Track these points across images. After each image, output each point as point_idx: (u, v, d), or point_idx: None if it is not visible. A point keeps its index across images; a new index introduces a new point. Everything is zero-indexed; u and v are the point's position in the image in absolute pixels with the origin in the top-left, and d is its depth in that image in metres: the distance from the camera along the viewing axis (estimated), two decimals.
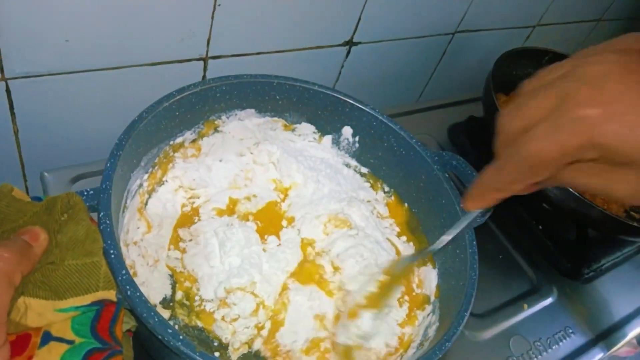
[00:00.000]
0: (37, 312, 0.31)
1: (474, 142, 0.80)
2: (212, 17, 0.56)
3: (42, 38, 0.48)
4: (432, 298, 0.50)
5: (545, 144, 0.28)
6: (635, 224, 0.64)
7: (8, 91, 0.51)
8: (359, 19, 0.68)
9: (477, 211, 0.40)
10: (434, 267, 0.52)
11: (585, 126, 0.27)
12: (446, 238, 0.44)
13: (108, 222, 0.36)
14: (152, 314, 0.32)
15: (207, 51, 0.60)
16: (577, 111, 0.27)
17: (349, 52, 0.72)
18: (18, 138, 0.56)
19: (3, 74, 0.49)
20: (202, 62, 0.60)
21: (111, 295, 0.33)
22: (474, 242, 0.47)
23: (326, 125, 0.58)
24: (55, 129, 0.58)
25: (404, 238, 0.56)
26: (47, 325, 0.31)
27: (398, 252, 0.55)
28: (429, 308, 0.49)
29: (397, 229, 0.57)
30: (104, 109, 0.59)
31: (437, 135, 0.82)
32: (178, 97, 0.47)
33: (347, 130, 0.58)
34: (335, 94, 0.55)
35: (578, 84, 0.28)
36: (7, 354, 0.29)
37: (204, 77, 0.62)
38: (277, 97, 0.55)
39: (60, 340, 0.31)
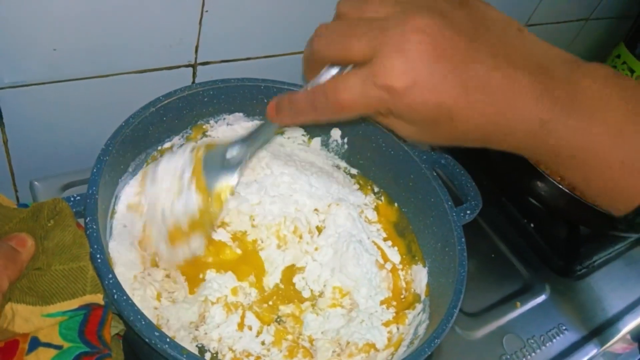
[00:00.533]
0: (24, 317, 0.31)
1: None
2: (200, 24, 0.56)
3: (29, 47, 0.49)
4: (423, 297, 0.50)
5: (352, 97, 0.33)
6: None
7: None
8: None
9: (276, 125, 0.40)
10: (424, 266, 0.52)
11: (388, 95, 0.31)
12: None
13: (95, 227, 0.36)
14: (139, 317, 0.32)
15: (196, 58, 0.60)
16: (385, 78, 0.31)
17: None
18: (7, 147, 0.56)
19: None
20: (191, 69, 0.61)
21: (98, 299, 0.33)
22: (463, 239, 0.48)
23: (314, 127, 0.59)
24: (44, 138, 0.58)
25: (389, 242, 0.57)
26: (35, 331, 0.32)
27: (383, 255, 0.55)
28: (419, 307, 0.49)
29: (384, 234, 0.57)
30: (93, 117, 0.59)
31: None
32: (165, 102, 0.47)
33: (335, 132, 0.58)
34: None
35: (393, 46, 0.31)
36: None
37: (193, 83, 0.63)
38: (265, 101, 0.55)
39: (49, 345, 0.31)
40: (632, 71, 0.92)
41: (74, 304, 0.32)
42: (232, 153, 0.43)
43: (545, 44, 0.34)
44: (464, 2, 0.33)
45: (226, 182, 0.43)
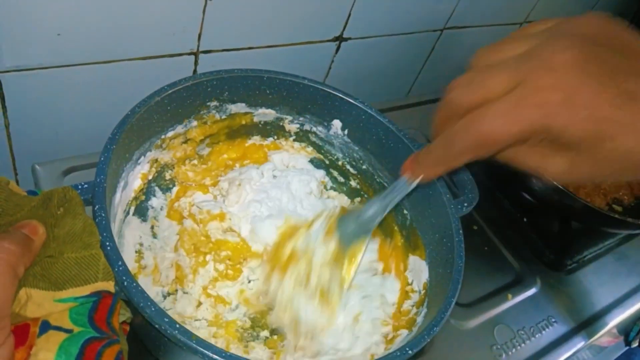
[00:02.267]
0: (37, 302, 0.31)
1: None
2: (204, 12, 0.57)
3: (34, 32, 0.49)
4: (420, 287, 0.51)
5: (501, 124, 0.29)
6: (617, 216, 0.66)
7: (0, 84, 0.51)
8: (349, 15, 0.69)
9: (417, 181, 0.40)
10: (424, 260, 0.53)
11: (544, 111, 0.28)
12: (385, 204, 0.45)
13: (103, 214, 0.36)
14: (149, 303, 0.33)
15: (198, 46, 0.60)
16: (538, 96, 0.28)
17: (339, 48, 0.73)
18: (9, 131, 0.56)
19: None
20: (193, 57, 0.61)
21: (110, 286, 0.34)
22: (460, 231, 0.49)
23: (315, 118, 0.59)
24: (46, 122, 0.58)
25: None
26: (45, 316, 0.32)
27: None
28: (415, 296, 0.50)
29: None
30: (95, 102, 0.59)
31: (427, 130, 0.83)
32: (170, 92, 0.47)
33: (336, 124, 0.59)
34: (324, 88, 0.56)
35: (540, 68, 0.29)
36: (13, 345, 0.29)
37: (194, 71, 0.63)
38: (268, 91, 0.55)
39: (59, 329, 0.32)
40: None
41: (86, 290, 0.33)
42: (368, 213, 0.45)
43: None
44: (600, 30, 0.31)
45: (361, 240, 0.46)
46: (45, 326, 0.31)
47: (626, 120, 0.28)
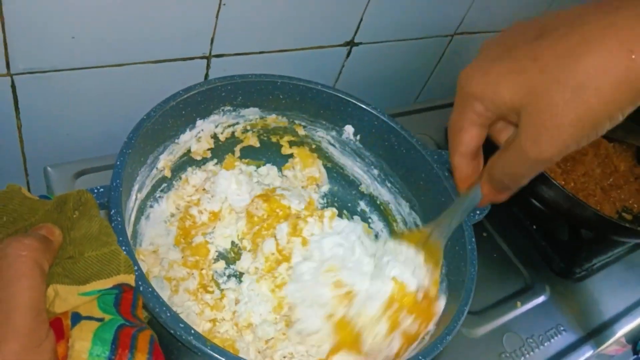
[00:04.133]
0: (63, 297, 0.32)
1: None
2: (217, 17, 0.57)
3: (48, 34, 0.49)
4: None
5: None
6: (627, 224, 0.66)
7: (13, 87, 0.51)
8: (361, 20, 0.69)
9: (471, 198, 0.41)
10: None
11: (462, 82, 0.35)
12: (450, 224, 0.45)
13: (119, 219, 0.36)
14: (165, 309, 0.33)
15: (211, 50, 0.60)
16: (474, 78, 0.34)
17: (349, 52, 0.73)
18: (21, 133, 0.56)
19: (9, 69, 0.49)
20: (205, 61, 0.61)
21: (131, 279, 0.34)
22: (473, 239, 0.49)
23: (328, 123, 0.59)
24: (58, 125, 0.58)
25: None
26: (74, 308, 0.32)
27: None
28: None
29: None
30: (108, 105, 0.59)
31: (435, 136, 0.83)
32: (185, 96, 0.48)
33: (348, 129, 0.59)
34: (337, 94, 0.56)
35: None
36: (54, 339, 0.29)
37: (206, 75, 0.63)
38: (281, 97, 0.55)
39: (91, 318, 0.32)
40: None
41: (109, 282, 0.33)
42: (435, 235, 0.45)
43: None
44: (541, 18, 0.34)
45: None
46: (77, 317, 0.32)
47: (536, 81, 0.30)
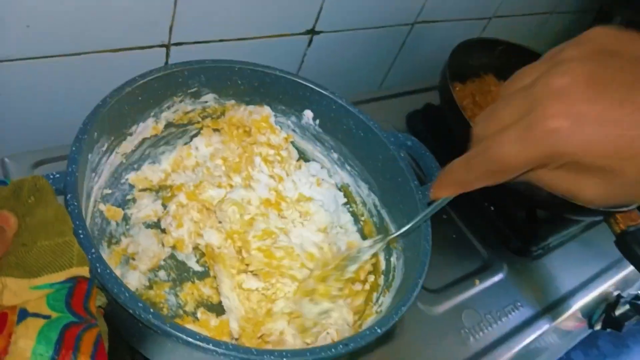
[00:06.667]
0: (13, 291, 0.32)
1: (431, 128, 0.84)
2: (175, 4, 0.57)
3: (1, 23, 0.48)
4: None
5: (511, 151, 0.29)
6: (580, 203, 0.69)
7: None
8: (321, 9, 0.70)
9: (440, 199, 0.42)
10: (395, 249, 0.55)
11: (553, 139, 0.28)
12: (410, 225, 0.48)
13: (75, 203, 0.37)
14: (123, 289, 0.34)
15: (170, 38, 0.60)
16: (544, 123, 0.28)
17: (311, 41, 0.74)
18: None
19: None
20: (164, 49, 0.61)
21: (85, 271, 0.34)
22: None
23: (287, 109, 0.60)
24: (15, 115, 0.57)
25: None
26: (23, 303, 0.32)
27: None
28: (382, 279, 0.52)
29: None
30: (65, 94, 0.59)
31: (397, 122, 0.85)
32: (140, 82, 0.48)
33: (308, 114, 0.60)
34: (295, 79, 0.57)
35: (545, 95, 0.28)
36: None
37: (166, 64, 0.63)
38: (239, 82, 0.56)
39: (37, 315, 0.32)
40: None
41: (61, 276, 0.33)
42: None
43: None
44: (609, 42, 0.30)
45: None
46: (24, 314, 0.32)
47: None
